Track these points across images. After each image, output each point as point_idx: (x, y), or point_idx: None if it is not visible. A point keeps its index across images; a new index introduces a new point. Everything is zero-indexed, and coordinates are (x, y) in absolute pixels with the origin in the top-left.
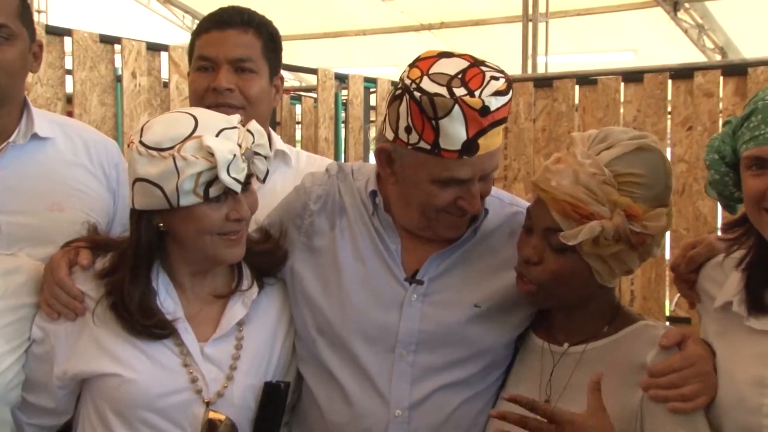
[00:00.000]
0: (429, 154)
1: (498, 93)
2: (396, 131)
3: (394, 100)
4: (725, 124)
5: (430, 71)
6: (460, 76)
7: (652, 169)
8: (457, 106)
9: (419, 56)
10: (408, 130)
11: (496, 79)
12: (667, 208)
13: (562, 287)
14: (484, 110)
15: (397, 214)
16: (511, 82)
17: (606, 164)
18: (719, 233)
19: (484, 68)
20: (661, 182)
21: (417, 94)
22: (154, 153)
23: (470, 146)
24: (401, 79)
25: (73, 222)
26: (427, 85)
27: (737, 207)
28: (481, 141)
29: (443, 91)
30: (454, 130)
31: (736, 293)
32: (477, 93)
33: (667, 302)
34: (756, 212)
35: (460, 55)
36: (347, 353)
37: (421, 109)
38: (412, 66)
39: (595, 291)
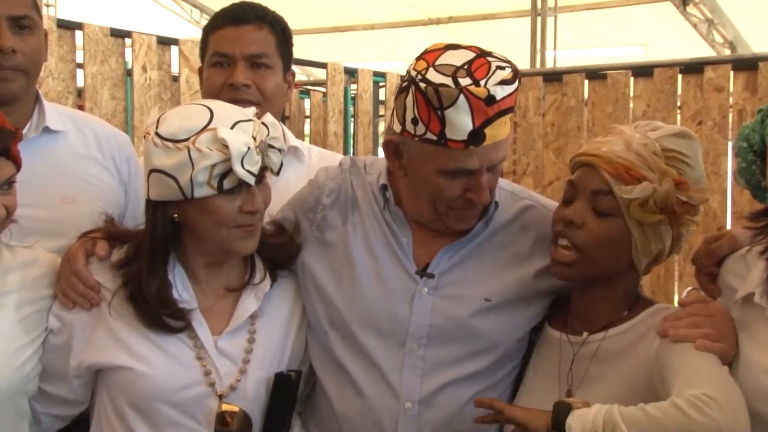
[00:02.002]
0: (436, 145)
1: (504, 82)
2: (403, 123)
3: (401, 92)
4: (758, 112)
5: (436, 63)
6: (465, 66)
7: (694, 152)
8: (462, 96)
9: (426, 49)
10: (414, 121)
11: (502, 68)
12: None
13: (600, 254)
14: (490, 99)
15: (408, 207)
16: (517, 71)
17: (656, 139)
18: (728, 227)
19: (490, 59)
20: (700, 167)
21: (422, 85)
22: (170, 144)
23: (476, 136)
24: (408, 72)
25: (85, 214)
26: (432, 76)
27: (767, 196)
28: (487, 131)
29: (448, 81)
30: (460, 120)
31: (758, 284)
32: (482, 82)
33: (676, 297)
34: None
35: (467, 47)
36: (358, 346)
37: (427, 99)
38: (418, 58)
39: (625, 268)
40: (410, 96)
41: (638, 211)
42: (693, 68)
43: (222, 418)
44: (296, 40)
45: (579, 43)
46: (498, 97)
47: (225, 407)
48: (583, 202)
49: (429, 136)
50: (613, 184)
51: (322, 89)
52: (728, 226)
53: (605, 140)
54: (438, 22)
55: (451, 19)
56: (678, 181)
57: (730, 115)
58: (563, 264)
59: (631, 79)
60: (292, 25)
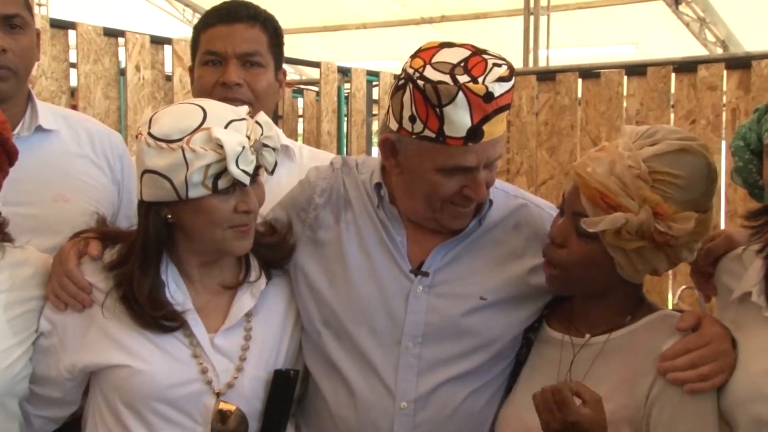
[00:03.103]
0: (434, 142)
1: (501, 79)
2: (400, 121)
3: (398, 90)
4: (754, 111)
5: (433, 60)
6: (462, 64)
7: (692, 172)
8: (461, 93)
9: (421, 47)
10: (412, 119)
11: (499, 66)
12: (702, 214)
13: (581, 274)
14: (488, 96)
15: (403, 205)
16: (513, 69)
17: (644, 159)
18: (722, 227)
19: (486, 56)
20: (698, 187)
21: (420, 82)
22: (163, 145)
23: (475, 133)
24: (404, 69)
25: (78, 213)
26: (430, 73)
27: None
28: (485, 128)
29: (447, 78)
30: (459, 118)
31: (755, 283)
32: (480, 80)
33: (670, 296)
34: None
35: (461, 45)
36: (353, 346)
37: (425, 97)
38: (414, 56)
39: (617, 283)
40: (408, 94)
41: (614, 238)
42: (686, 67)
43: (220, 416)
44: (288, 39)
45: (572, 42)
46: (496, 94)
47: (222, 406)
48: (567, 220)
49: (427, 133)
50: (588, 209)
51: (316, 88)
52: (722, 226)
53: (595, 156)
54: (431, 21)
55: (443, 18)
56: (656, 211)
57: (724, 114)
58: (549, 278)
59: (625, 77)
60: (284, 23)
